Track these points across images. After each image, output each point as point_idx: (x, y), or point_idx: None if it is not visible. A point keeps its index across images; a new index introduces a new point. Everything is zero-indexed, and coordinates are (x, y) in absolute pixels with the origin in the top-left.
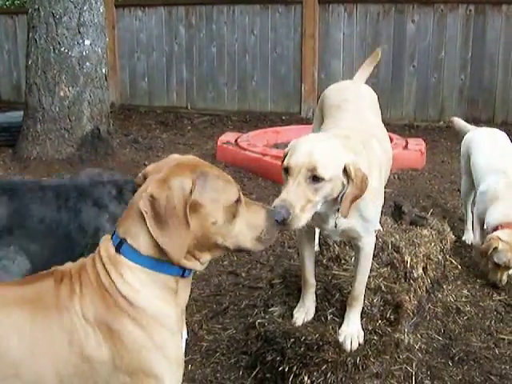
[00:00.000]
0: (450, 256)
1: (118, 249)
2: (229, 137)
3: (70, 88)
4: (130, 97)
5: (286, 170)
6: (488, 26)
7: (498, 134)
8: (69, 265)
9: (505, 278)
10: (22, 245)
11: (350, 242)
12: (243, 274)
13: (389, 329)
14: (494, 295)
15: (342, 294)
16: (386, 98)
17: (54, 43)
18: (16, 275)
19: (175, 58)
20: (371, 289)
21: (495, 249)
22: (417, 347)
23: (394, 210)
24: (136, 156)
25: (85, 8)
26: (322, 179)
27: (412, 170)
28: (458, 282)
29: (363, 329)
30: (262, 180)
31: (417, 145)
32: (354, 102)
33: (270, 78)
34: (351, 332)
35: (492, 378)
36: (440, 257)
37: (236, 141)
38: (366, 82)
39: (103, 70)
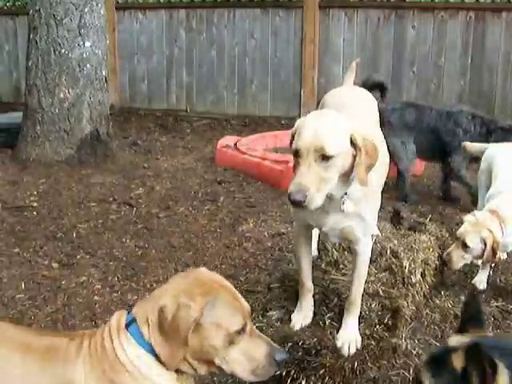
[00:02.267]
0: None
1: (127, 325)
2: (228, 140)
3: (70, 90)
4: (130, 99)
5: (296, 153)
6: (488, 33)
7: None
8: (89, 330)
9: (451, 251)
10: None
11: (349, 247)
12: (241, 278)
13: (386, 334)
14: (492, 301)
15: (341, 299)
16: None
17: (55, 45)
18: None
19: (175, 61)
20: (369, 294)
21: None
22: (414, 352)
23: (392, 216)
24: (135, 158)
25: (86, 10)
26: (332, 156)
27: (411, 175)
28: (456, 288)
29: (361, 334)
30: (261, 184)
31: None
32: (353, 107)
33: (269, 82)
34: (349, 337)
35: None
36: (438, 262)
37: (235, 144)
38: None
39: (103, 72)
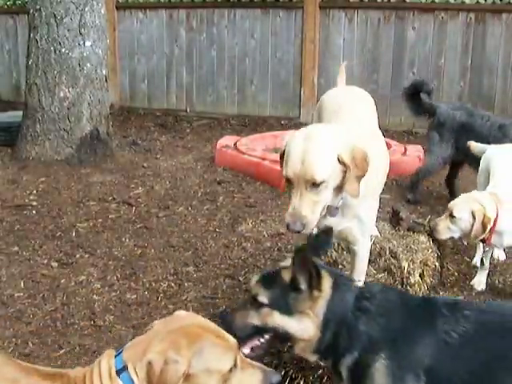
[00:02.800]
0: (446, 263)
1: (118, 372)
2: (228, 140)
3: (70, 89)
4: (130, 99)
5: (287, 179)
6: (488, 34)
7: None
8: (78, 371)
9: (438, 221)
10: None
11: (348, 247)
12: (240, 278)
13: None
14: None
15: None
16: (385, 105)
17: (55, 44)
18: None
19: (175, 61)
20: None
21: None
22: None
23: (391, 216)
24: (135, 158)
25: (86, 9)
26: (322, 182)
27: (411, 175)
28: (455, 289)
29: None
30: (260, 184)
31: (415, 151)
32: (351, 107)
33: (269, 83)
34: None
35: None
36: (437, 263)
37: (235, 144)
38: (366, 88)
39: (103, 72)
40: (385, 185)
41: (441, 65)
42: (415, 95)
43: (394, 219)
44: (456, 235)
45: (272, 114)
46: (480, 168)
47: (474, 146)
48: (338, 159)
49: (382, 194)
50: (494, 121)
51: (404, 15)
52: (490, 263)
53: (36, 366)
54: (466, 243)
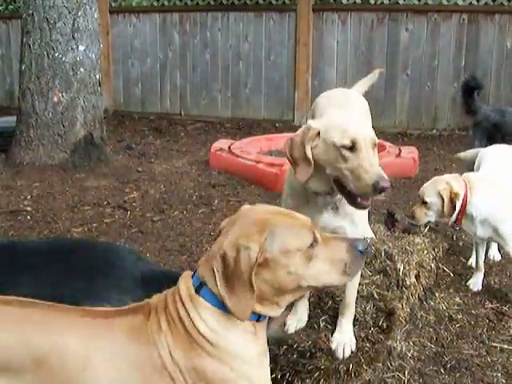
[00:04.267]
0: (442, 264)
1: (197, 290)
2: (222, 144)
3: (64, 93)
4: (124, 103)
5: (351, 146)
6: (481, 35)
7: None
8: (155, 298)
9: (414, 209)
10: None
11: None
12: None
13: (381, 336)
14: (486, 303)
15: (335, 302)
16: (379, 106)
17: (48, 48)
18: None
19: (169, 65)
20: (364, 296)
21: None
22: (409, 355)
23: (386, 218)
24: (129, 162)
25: (79, 14)
26: (375, 145)
27: (405, 178)
28: (451, 290)
29: (356, 336)
30: (255, 187)
31: (410, 153)
32: (343, 109)
33: (263, 85)
34: (344, 339)
35: None
36: (432, 265)
37: (229, 148)
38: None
39: (97, 76)
40: None
41: (434, 66)
42: (472, 92)
43: (389, 221)
44: (433, 219)
45: (266, 116)
46: (474, 167)
47: (463, 155)
48: None
49: None
50: None
51: (397, 17)
52: (486, 264)
53: (108, 309)
54: (461, 244)
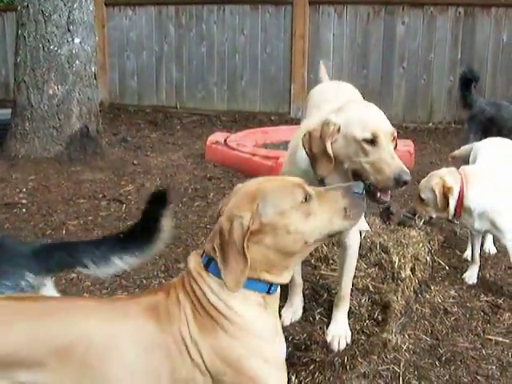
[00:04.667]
0: (437, 257)
1: (206, 266)
2: (218, 137)
3: (59, 86)
4: (120, 96)
5: (372, 139)
6: (477, 28)
7: (503, 143)
8: (176, 278)
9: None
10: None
11: (338, 242)
12: None
13: (376, 329)
14: (481, 296)
15: (330, 294)
16: (375, 99)
17: (43, 41)
18: None
19: (165, 58)
20: (359, 289)
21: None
22: (404, 347)
23: (382, 211)
24: (125, 155)
25: (74, 6)
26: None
27: None
28: (446, 283)
29: (351, 329)
30: (250, 180)
31: (405, 146)
32: (334, 102)
33: (259, 78)
34: (339, 332)
35: (479, 378)
36: (428, 257)
37: (225, 141)
38: (356, 83)
39: (92, 69)
40: None
41: (430, 59)
42: (469, 85)
43: (385, 214)
44: (433, 214)
45: (262, 109)
46: (470, 160)
47: (458, 153)
48: None
49: None
50: None
51: (393, 10)
52: (481, 257)
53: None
54: (456, 237)
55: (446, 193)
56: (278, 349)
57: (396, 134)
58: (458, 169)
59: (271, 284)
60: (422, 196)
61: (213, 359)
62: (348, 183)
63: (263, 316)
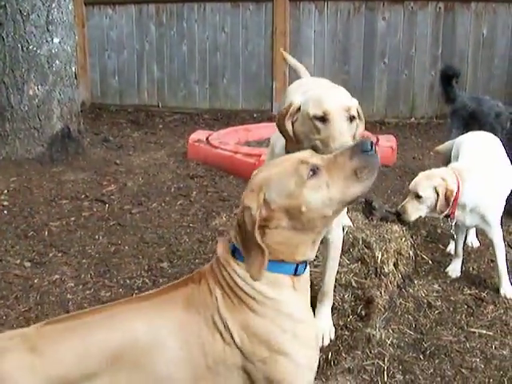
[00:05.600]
0: (420, 251)
1: (233, 251)
2: (200, 135)
3: (39, 86)
4: (101, 95)
5: (322, 117)
6: (458, 23)
7: (486, 137)
8: (205, 267)
9: (405, 204)
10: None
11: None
12: None
13: (360, 324)
14: (465, 289)
15: (314, 290)
16: (356, 95)
17: (22, 41)
18: None
19: (146, 56)
20: (342, 285)
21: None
22: (388, 342)
23: (364, 206)
24: (107, 155)
25: (53, 5)
26: (353, 117)
27: (383, 166)
28: (429, 277)
29: (334, 324)
30: (233, 178)
31: (388, 141)
32: None
33: (241, 76)
34: (323, 328)
35: (463, 371)
36: (411, 252)
37: (207, 139)
38: (337, 79)
39: (73, 69)
40: None
41: (412, 54)
42: (450, 81)
43: (367, 209)
44: (423, 214)
45: (244, 107)
46: (452, 155)
47: (442, 148)
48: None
49: None
50: (499, 110)
51: (374, 6)
52: (464, 250)
53: (158, 289)
54: (439, 231)
55: (448, 196)
56: (309, 327)
57: (354, 112)
58: (442, 162)
59: (297, 265)
60: (421, 194)
61: (243, 338)
62: (354, 143)
63: (293, 297)
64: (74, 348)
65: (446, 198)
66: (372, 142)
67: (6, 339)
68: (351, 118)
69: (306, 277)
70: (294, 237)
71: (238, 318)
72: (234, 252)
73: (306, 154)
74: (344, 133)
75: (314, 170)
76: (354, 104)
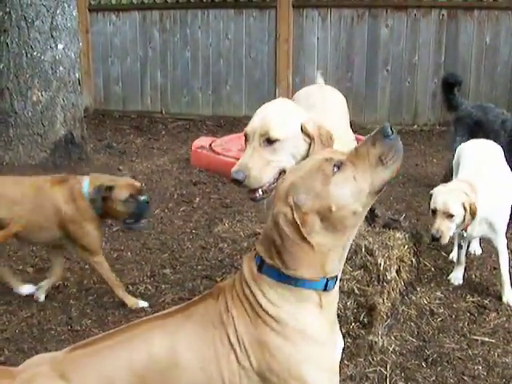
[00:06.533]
0: (423, 258)
1: (260, 268)
2: (203, 141)
3: (43, 92)
4: (104, 101)
5: (245, 137)
6: (460, 31)
7: (487, 145)
8: (226, 281)
9: (439, 226)
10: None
11: None
12: (218, 279)
13: (362, 331)
14: (467, 297)
15: None
16: (360, 102)
17: (27, 47)
18: None
19: (149, 63)
20: (345, 292)
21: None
22: (391, 349)
23: (367, 213)
24: (110, 161)
25: (57, 12)
26: (276, 140)
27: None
28: (432, 284)
29: None
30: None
31: None
32: (323, 106)
33: (244, 83)
34: None
35: (465, 378)
36: (413, 259)
37: (210, 145)
38: (340, 86)
39: (76, 75)
40: None
41: (414, 62)
42: (452, 89)
43: (370, 216)
44: (453, 231)
45: (247, 114)
46: (454, 162)
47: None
48: (301, 128)
49: None
50: (505, 117)
51: (377, 13)
52: (467, 258)
53: (178, 306)
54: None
55: (473, 210)
56: (334, 352)
57: (271, 135)
58: (444, 170)
59: (327, 280)
60: (453, 213)
61: (260, 362)
62: (371, 135)
63: (320, 317)
64: (101, 374)
65: (472, 214)
66: (392, 126)
67: (36, 365)
68: (269, 141)
69: (334, 293)
70: (326, 242)
71: (256, 338)
72: (261, 268)
73: (327, 153)
74: (245, 155)
75: (338, 166)
76: (276, 125)
